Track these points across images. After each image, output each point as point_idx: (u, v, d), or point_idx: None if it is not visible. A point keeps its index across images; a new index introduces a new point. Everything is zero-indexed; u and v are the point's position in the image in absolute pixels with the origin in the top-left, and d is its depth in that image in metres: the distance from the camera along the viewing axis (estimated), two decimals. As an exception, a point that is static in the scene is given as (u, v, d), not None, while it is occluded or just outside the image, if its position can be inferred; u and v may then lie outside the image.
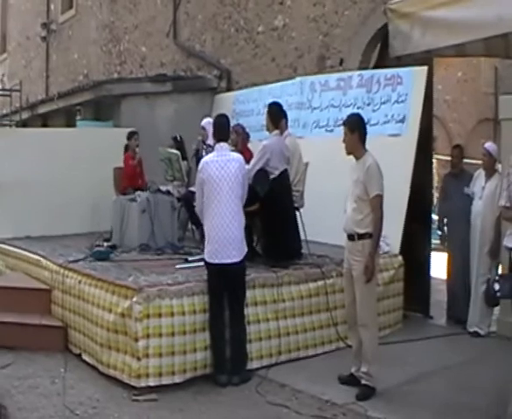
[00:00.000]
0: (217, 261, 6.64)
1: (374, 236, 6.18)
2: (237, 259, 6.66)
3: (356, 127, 6.33)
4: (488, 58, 11.45)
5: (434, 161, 9.78)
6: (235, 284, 6.80)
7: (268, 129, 7.87)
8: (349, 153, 6.39)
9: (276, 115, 7.97)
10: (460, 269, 9.00)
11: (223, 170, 6.69)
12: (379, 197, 6.15)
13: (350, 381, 6.52)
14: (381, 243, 7.97)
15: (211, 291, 6.76)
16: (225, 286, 6.75)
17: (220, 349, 6.72)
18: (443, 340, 8.41)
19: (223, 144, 6.96)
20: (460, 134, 23.39)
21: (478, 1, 4.91)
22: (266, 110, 8.09)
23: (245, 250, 6.79)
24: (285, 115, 8.60)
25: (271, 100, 8.89)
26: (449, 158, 10.27)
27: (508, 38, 5.40)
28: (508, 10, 4.61)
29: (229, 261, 6.62)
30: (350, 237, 6.38)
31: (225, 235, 6.59)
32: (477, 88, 24.21)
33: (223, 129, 7.10)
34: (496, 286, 4.63)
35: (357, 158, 6.36)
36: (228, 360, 6.74)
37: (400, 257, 8.73)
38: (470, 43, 5.25)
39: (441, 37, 5.26)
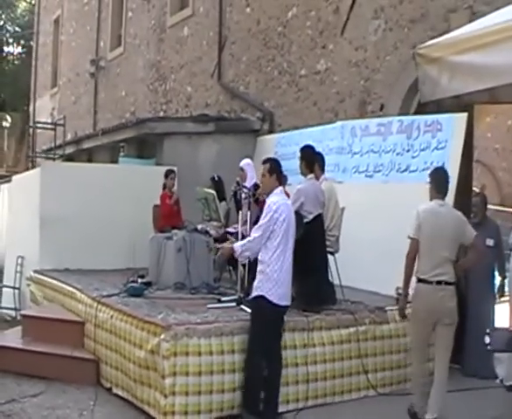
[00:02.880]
0: (285, 303, 6.67)
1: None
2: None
3: (431, 178, 6.73)
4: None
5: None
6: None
7: (303, 173, 7.86)
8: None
9: (310, 159, 7.99)
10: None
11: (290, 214, 6.77)
12: (409, 239, 6.54)
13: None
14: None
15: (273, 332, 6.77)
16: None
17: (257, 390, 6.69)
18: (478, 392, 8.23)
19: (281, 188, 7.00)
20: (510, 183, 23.09)
21: (507, 45, 4.87)
22: (298, 154, 8.08)
23: None
24: (322, 158, 8.62)
25: (308, 143, 8.88)
26: (498, 208, 10.10)
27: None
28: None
29: (289, 304, 6.76)
30: None
31: (290, 279, 6.71)
32: (528, 137, 23.91)
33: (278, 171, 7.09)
34: (487, 339, 4.61)
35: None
36: (261, 402, 6.71)
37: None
38: (503, 88, 5.21)
39: (469, 82, 5.25)
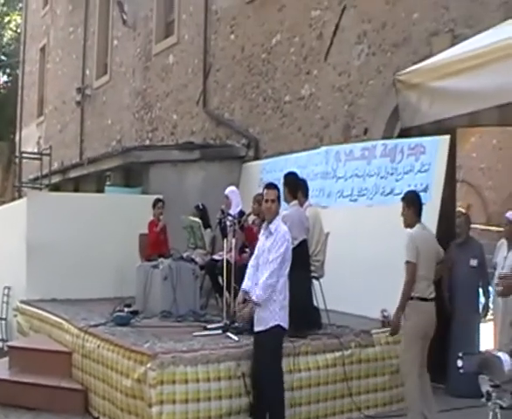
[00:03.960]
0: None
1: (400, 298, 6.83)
2: None
3: (411, 203, 7.08)
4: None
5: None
6: None
7: (286, 200, 7.83)
8: (406, 226, 7.09)
9: (293, 185, 8.01)
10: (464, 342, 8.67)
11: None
12: (408, 264, 6.81)
13: None
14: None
15: (280, 356, 6.90)
16: None
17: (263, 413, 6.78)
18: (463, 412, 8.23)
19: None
20: (496, 202, 23.20)
21: (486, 69, 4.95)
22: (282, 181, 8.05)
23: None
24: (305, 185, 8.68)
25: (291, 170, 8.91)
26: (484, 227, 10.20)
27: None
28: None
29: None
30: None
31: None
32: (512, 156, 24.10)
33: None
34: (460, 363, 4.72)
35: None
36: None
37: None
38: (483, 112, 5.29)
39: (449, 107, 5.33)
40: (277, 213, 6.88)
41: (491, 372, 4.69)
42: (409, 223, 7.05)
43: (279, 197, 6.92)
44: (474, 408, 7.99)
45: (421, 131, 8.27)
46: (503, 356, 4.63)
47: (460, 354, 4.85)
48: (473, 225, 10.15)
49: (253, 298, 6.60)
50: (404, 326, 6.91)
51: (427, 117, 5.63)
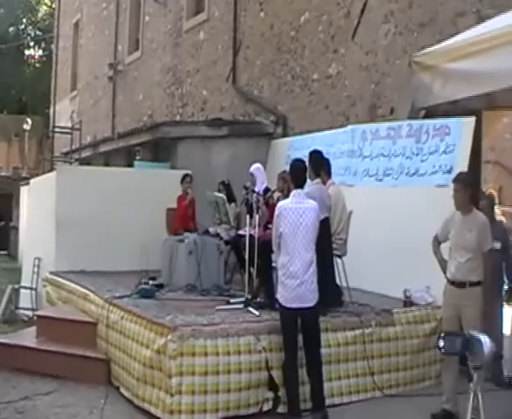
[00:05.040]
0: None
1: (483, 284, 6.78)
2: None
3: (468, 185, 6.86)
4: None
5: (499, 211, 9.57)
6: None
7: (310, 177, 7.84)
8: (458, 208, 6.90)
9: (317, 163, 8.06)
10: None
11: (301, 218, 6.86)
12: (491, 251, 6.89)
13: (444, 416, 6.86)
14: (425, 294, 8.09)
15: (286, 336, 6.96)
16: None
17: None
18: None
19: (300, 191, 7.09)
20: (530, 184, 22.94)
21: (498, 51, 4.95)
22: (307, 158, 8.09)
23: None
24: (328, 164, 8.72)
25: (316, 148, 8.94)
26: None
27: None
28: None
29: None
30: (461, 285, 6.83)
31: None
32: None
33: (299, 174, 7.21)
34: (441, 343, 4.75)
35: (466, 213, 6.85)
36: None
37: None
38: (500, 93, 5.29)
39: (461, 89, 5.34)
40: None
41: (472, 353, 4.73)
42: (463, 207, 6.85)
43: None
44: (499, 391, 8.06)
45: (445, 112, 8.26)
46: (483, 338, 4.67)
47: (442, 335, 4.90)
48: (504, 208, 10.03)
49: None
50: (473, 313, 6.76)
51: (439, 98, 5.66)
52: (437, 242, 7.26)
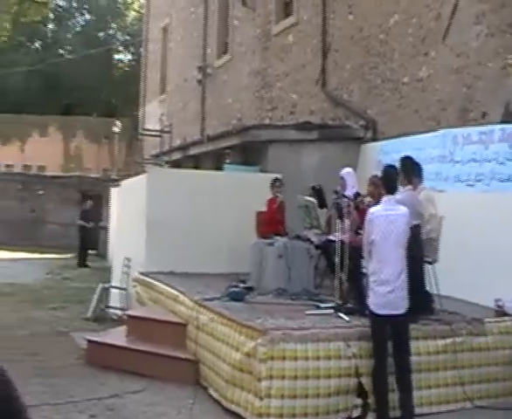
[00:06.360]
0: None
1: None
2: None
3: None
4: None
5: None
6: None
7: (401, 184, 7.82)
8: None
9: (408, 170, 8.02)
10: None
11: (392, 225, 6.88)
12: None
13: None
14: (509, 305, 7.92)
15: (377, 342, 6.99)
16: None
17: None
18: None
19: (391, 197, 7.11)
20: None
21: None
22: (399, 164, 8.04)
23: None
24: (419, 168, 8.63)
25: (407, 154, 8.86)
26: None
27: None
28: None
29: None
30: None
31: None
32: None
33: (391, 181, 7.24)
34: None
35: None
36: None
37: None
38: None
39: None
40: None
41: None
42: None
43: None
44: None
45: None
46: None
47: None
48: None
49: None
50: None
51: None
52: None
